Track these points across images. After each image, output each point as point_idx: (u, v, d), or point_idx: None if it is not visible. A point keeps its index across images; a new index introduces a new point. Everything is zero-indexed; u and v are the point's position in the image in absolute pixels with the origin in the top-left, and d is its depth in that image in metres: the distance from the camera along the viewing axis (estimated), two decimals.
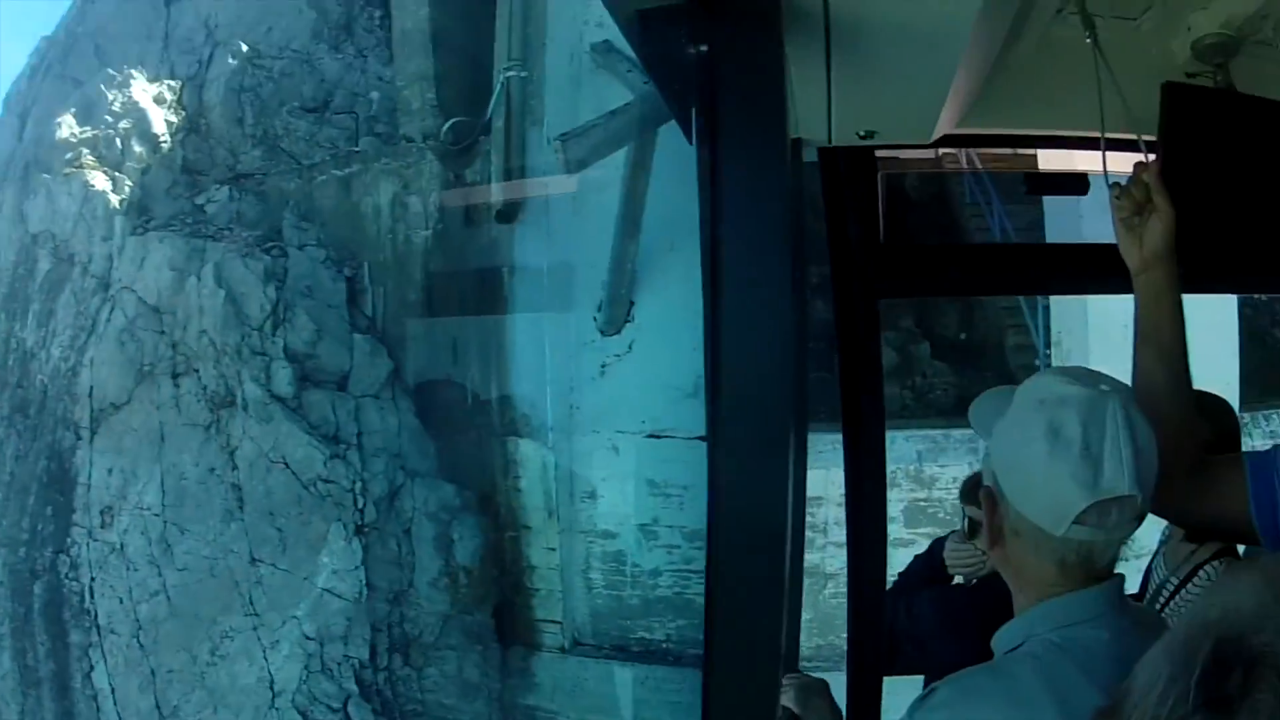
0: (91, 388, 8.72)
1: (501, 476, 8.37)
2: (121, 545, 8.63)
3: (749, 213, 1.11)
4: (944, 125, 1.82)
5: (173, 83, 10.12)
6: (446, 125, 8.10)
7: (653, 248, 7.83)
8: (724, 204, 1.10)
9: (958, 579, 2.70)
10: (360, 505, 8.24)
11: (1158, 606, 2.22)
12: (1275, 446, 1.32)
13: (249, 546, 8.36)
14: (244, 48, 9.99)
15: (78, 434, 8.82)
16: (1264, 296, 7.68)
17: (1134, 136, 1.53)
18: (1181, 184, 1.40)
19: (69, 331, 8.96)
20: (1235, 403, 3.36)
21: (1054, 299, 7.67)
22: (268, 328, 8.29)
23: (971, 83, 1.69)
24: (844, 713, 1.67)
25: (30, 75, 11.14)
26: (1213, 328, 6.73)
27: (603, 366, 8.13)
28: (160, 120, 9.59)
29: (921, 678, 2.34)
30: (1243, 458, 1.37)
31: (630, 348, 8.05)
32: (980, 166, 8.49)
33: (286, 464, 8.22)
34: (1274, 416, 7.84)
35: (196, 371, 8.41)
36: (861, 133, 1.86)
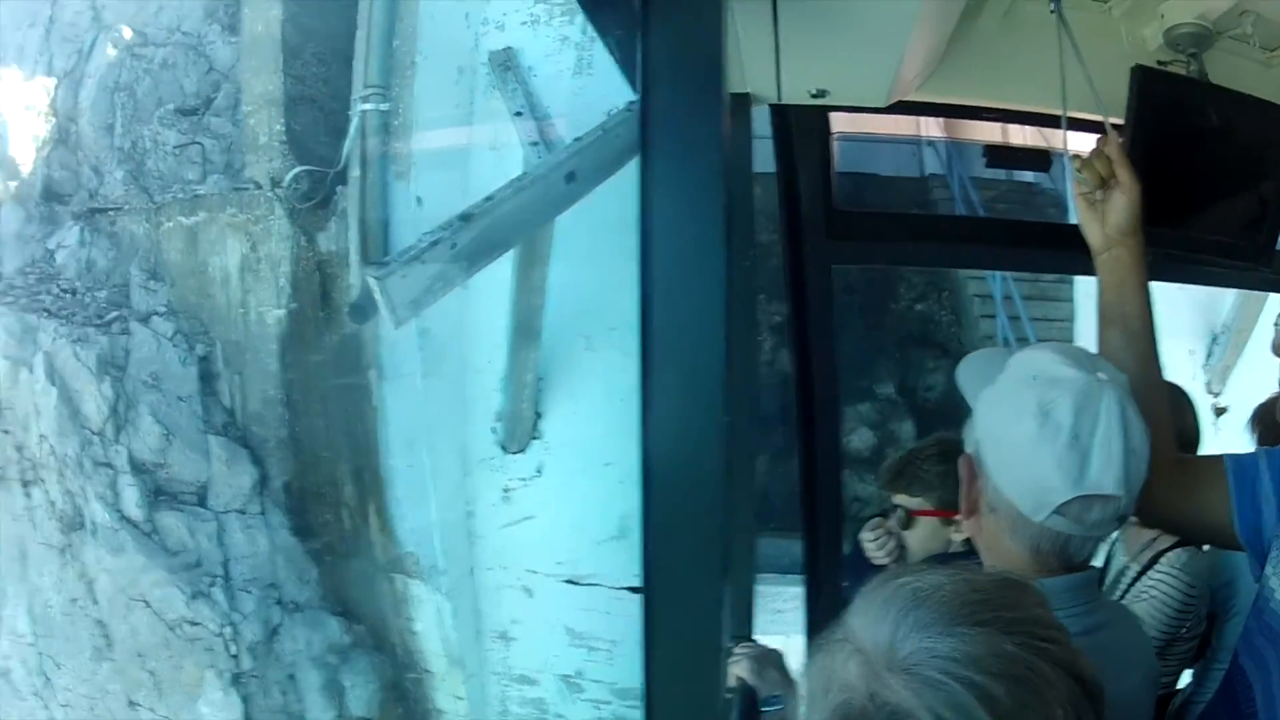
0: None
1: (393, 615, 6.48)
2: (6, 669, 7.48)
3: (682, 163, 1.04)
4: (900, 90, 1.80)
5: (48, 82, 8.46)
6: (291, 174, 5.94)
7: (563, 345, 5.57)
8: (653, 151, 1.03)
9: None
10: (233, 651, 6.59)
11: (1118, 594, 2.18)
12: (1258, 451, 1.31)
13: (124, 688, 6.97)
14: (127, 33, 8.14)
15: None
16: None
17: (1099, 117, 1.51)
18: (1146, 169, 1.41)
19: None
20: None
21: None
22: (109, 432, 6.61)
23: (930, 48, 1.70)
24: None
25: None
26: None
27: (505, 491, 5.97)
28: (25, 135, 7.99)
29: None
30: (1223, 460, 1.30)
31: (539, 472, 5.84)
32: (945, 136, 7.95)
33: (147, 603, 6.65)
34: None
35: (43, 481, 6.92)
36: (813, 91, 1.79)
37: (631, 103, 4.76)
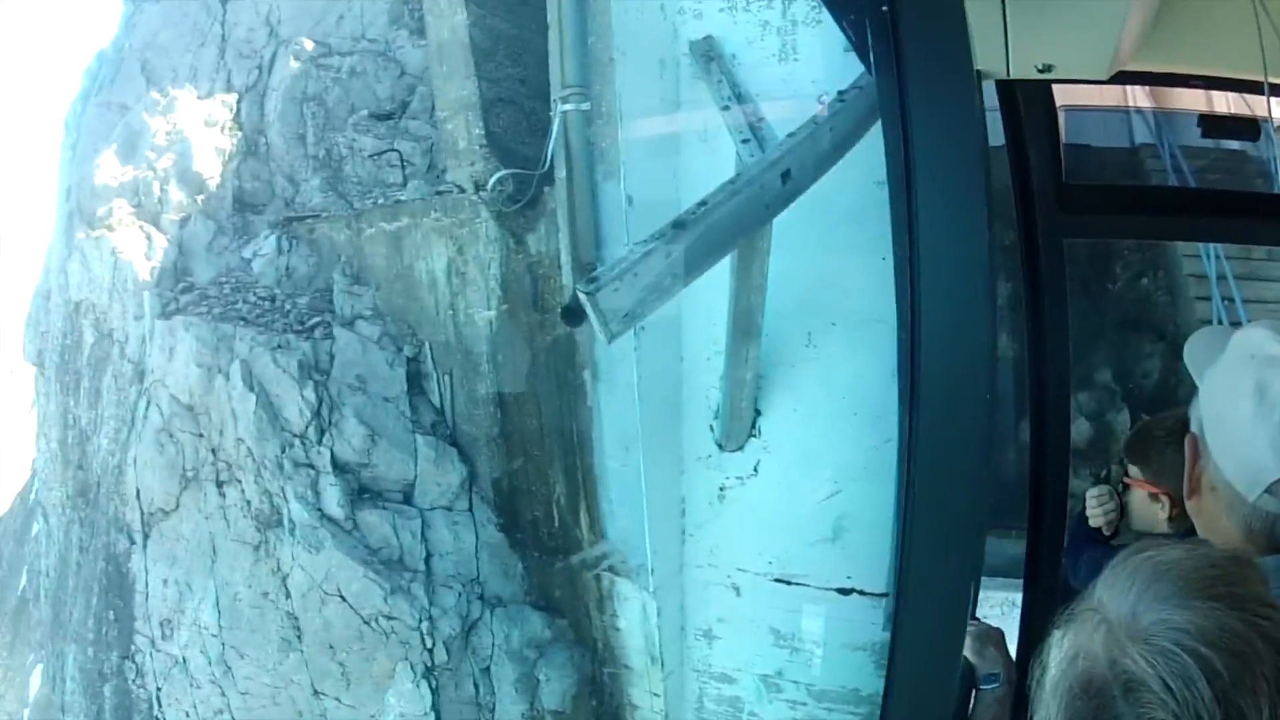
0: (138, 490, 7.61)
1: (597, 611, 6.69)
2: (184, 659, 7.64)
3: (941, 142, 1.10)
4: (1119, 61, 1.79)
5: (228, 98, 8.63)
6: (495, 178, 6.08)
7: (783, 342, 5.74)
8: (914, 135, 1.09)
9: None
10: (429, 645, 6.79)
11: None
12: None
13: (310, 679, 7.14)
14: (308, 45, 8.33)
15: (130, 538, 7.79)
16: None
17: None
18: None
19: (113, 422, 7.86)
20: None
21: None
22: (311, 434, 6.81)
23: (1143, 18, 1.68)
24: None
25: (83, 98, 9.93)
26: None
27: (721, 490, 6.19)
28: (209, 151, 8.16)
29: None
30: None
31: (756, 470, 6.06)
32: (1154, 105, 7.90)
33: (343, 597, 6.84)
34: None
35: (239, 482, 7.10)
36: (1040, 66, 1.80)
37: (843, 92, 4.78)
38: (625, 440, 6.32)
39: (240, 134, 8.01)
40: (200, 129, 8.11)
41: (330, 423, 6.79)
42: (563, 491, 6.49)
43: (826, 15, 5.61)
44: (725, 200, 4.28)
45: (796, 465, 5.97)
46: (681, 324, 6.09)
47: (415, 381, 6.86)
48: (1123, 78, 2.23)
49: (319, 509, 6.82)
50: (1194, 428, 1.22)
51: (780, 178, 4.36)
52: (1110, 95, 7.72)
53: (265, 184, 7.91)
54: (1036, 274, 2.33)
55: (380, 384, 6.82)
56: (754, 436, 6.10)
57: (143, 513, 7.64)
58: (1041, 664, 0.93)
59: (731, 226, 4.35)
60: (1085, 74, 1.96)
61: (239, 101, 8.16)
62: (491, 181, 6.08)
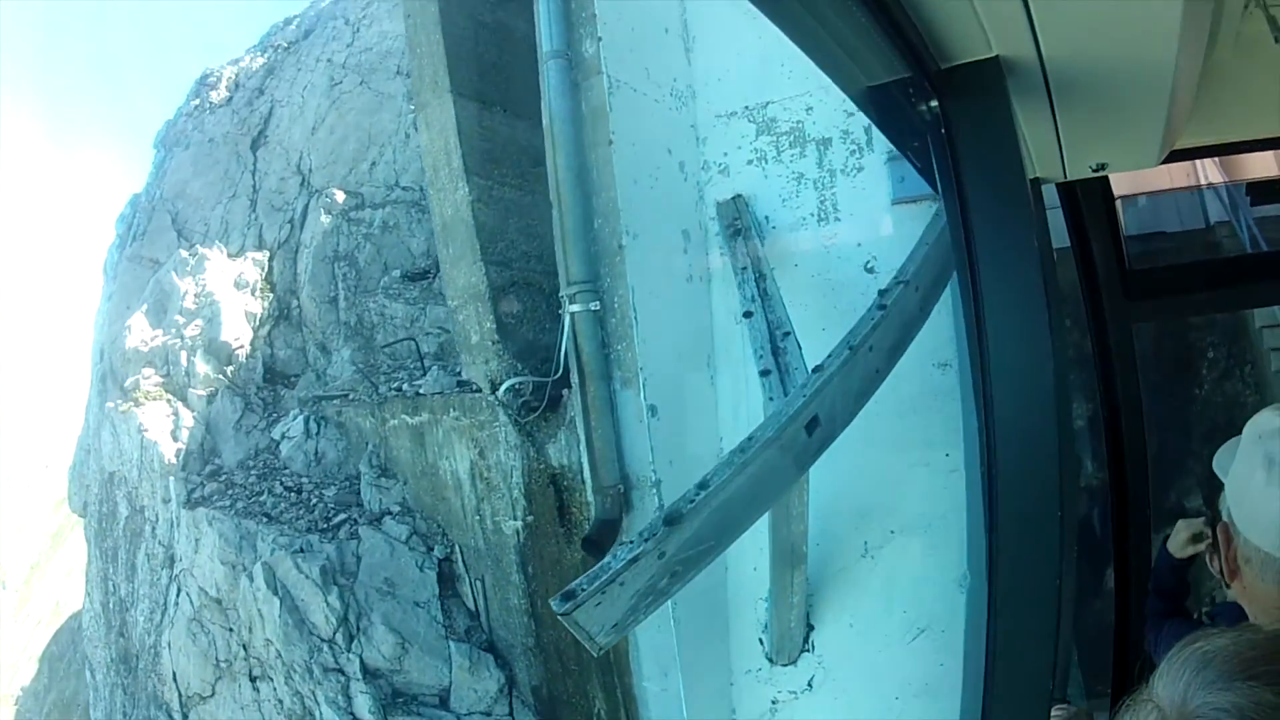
0: (174, 673, 7.46)
1: None
2: None
3: (1002, 247, 1.19)
4: (1168, 143, 1.81)
5: (259, 256, 8.39)
6: (506, 385, 5.59)
7: (840, 553, 5.24)
8: (976, 244, 1.18)
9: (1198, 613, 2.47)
10: None
11: None
12: None
13: None
14: (339, 197, 8.01)
15: (170, 716, 7.66)
16: None
17: None
18: None
19: (147, 602, 7.72)
20: None
21: None
22: (340, 640, 6.53)
23: (1185, 97, 1.70)
24: None
25: (118, 246, 9.83)
26: None
27: (773, 704, 5.75)
28: (238, 316, 7.94)
29: None
30: None
31: (810, 686, 5.59)
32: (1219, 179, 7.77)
33: None
34: None
35: (271, 679, 6.88)
36: (1094, 165, 1.86)
37: (884, 293, 3.83)
38: (664, 665, 5.90)
39: (272, 295, 7.73)
40: (230, 291, 7.88)
41: (359, 629, 6.50)
42: (603, 707, 6.10)
43: (868, 162, 5.05)
44: (732, 477, 3.33)
45: (855, 683, 5.49)
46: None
47: (448, 584, 6.52)
48: (1177, 155, 2.23)
49: (351, 714, 6.55)
50: (1224, 517, 1.34)
51: (805, 429, 3.46)
52: (1179, 176, 7.54)
53: (298, 351, 7.65)
54: (1108, 363, 2.39)
55: (410, 588, 6.50)
56: (808, 651, 5.65)
57: (180, 694, 7.50)
58: None
59: (742, 505, 3.43)
60: (1137, 165, 2.00)
61: (270, 259, 7.89)
62: (502, 389, 5.60)
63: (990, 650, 1.25)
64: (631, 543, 3.60)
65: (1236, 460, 1.33)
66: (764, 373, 4.28)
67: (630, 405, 5.15)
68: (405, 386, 6.64)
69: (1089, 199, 2.31)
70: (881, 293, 3.98)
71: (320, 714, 6.64)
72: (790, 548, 5.00)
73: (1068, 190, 2.25)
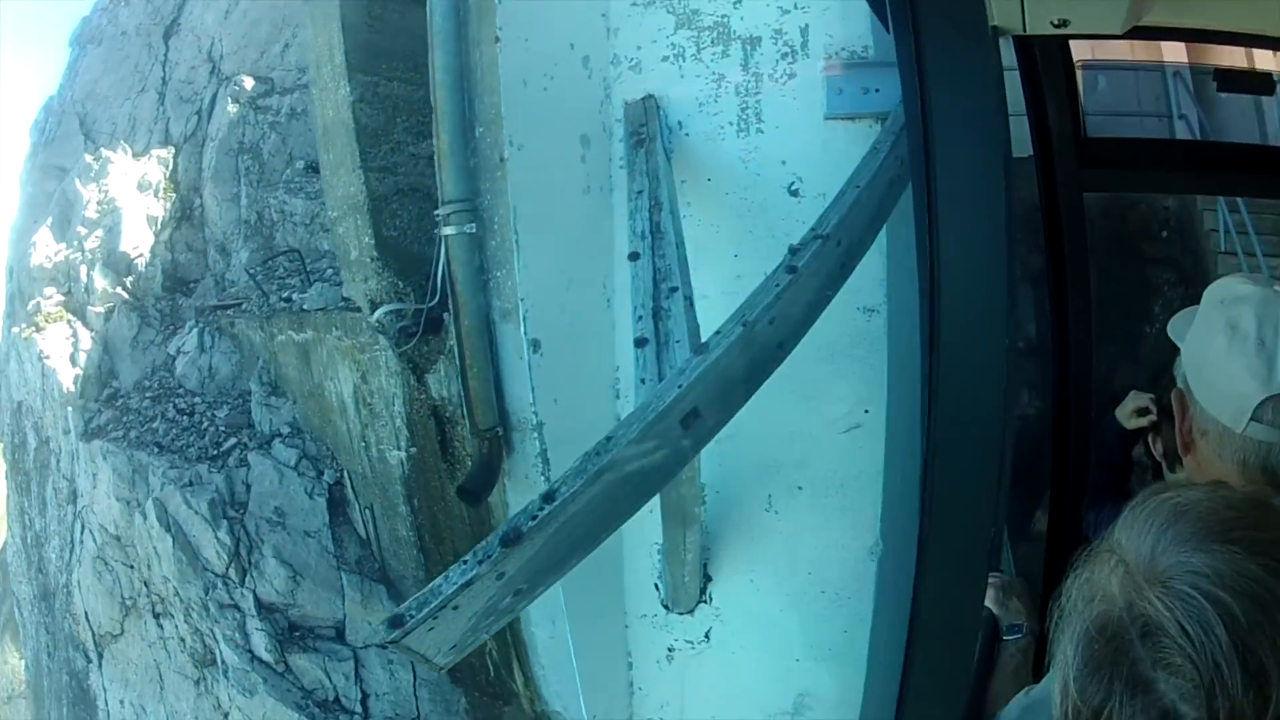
0: (86, 612, 7.21)
1: None
2: None
3: (958, 96, 1.11)
4: (1133, 16, 1.77)
5: (164, 153, 7.91)
6: (380, 311, 5.03)
7: (742, 504, 4.77)
8: (930, 90, 1.10)
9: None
10: None
11: None
12: None
13: None
14: (248, 84, 7.47)
15: (86, 655, 7.45)
16: None
17: None
18: None
19: (57, 539, 7.45)
20: None
21: None
22: (233, 575, 6.19)
23: None
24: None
25: (33, 154, 9.36)
26: None
27: (670, 650, 5.32)
28: (140, 221, 7.49)
29: None
30: None
31: (707, 638, 5.15)
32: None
33: None
34: None
35: (173, 616, 6.59)
36: (1055, 21, 1.77)
37: (822, 238, 3.07)
38: (550, 611, 5.48)
39: (175, 195, 7.25)
40: (133, 195, 7.42)
41: (250, 563, 6.16)
42: (494, 647, 5.73)
43: (801, 69, 4.30)
44: (586, 486, 2.55)
45: (755, 639, 5.05)
46: None
47: (339, 510, 6.15)
48: (1139, 32, 2.14)
49: (249, 651, 6.25)
50: (1179, 383, 1.28)
51: (681, 424, 2.50)
52: (1145, 53, 7.02)
53: (199, 255, 7.22)
54: (1057, 229, 2.34)
55: (300, 516, 6.15)
56: (704, 603, 5.20)
57: (93, 633, 7.27)
58: (1060, 606, 0.89)
59: (602, 515, 2.64)
60: (1102, 28, 1.95)
61: (175, 156, 7.40)
62: (378, 314, 5.07)
63: (925, 521, 1.20)
64: (465, 563, 3.12)
65: (1195, 325, 1.25)
66: (639, 342, 3.27)
67: (510, 340, 4.45)
68: (296, 297, 6.15)
69: (1048, 63, 2.21)
70: (792, 251, 3.06)
71: (220, 652, 6.36)
72: (680, 510, 4.39)
73: (1025, 52, 2.18)
